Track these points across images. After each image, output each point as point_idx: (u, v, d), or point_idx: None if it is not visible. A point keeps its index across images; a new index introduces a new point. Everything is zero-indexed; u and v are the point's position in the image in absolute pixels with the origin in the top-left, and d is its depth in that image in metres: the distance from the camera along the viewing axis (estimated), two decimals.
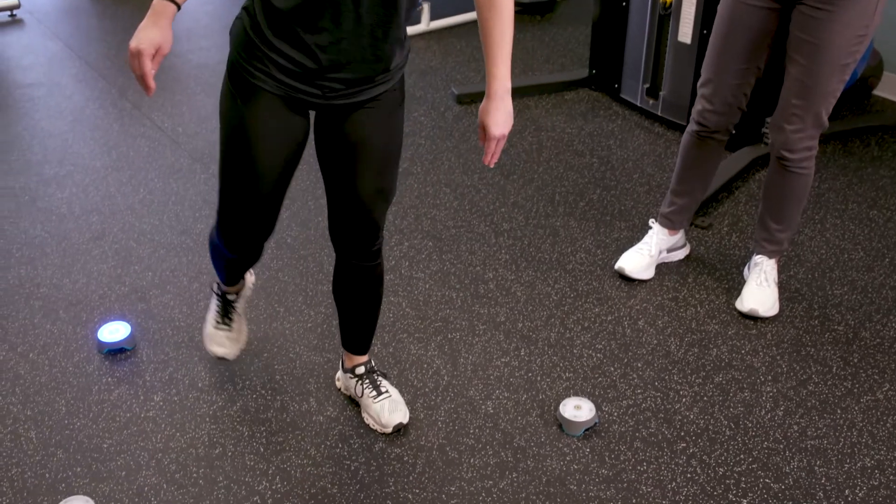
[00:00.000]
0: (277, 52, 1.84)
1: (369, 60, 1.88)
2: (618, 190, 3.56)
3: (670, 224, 3.00)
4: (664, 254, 3.04)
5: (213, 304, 2.52)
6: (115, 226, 3.32)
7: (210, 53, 5.08)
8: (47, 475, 2.26)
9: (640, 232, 3.24)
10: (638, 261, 2.98)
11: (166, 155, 3.86)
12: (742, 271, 3.02)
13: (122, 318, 2.81)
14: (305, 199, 3.49)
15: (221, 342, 2.50)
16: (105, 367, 2.61)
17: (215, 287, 2.51)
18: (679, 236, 3.05)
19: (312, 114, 2.10)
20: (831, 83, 2.52)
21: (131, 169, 3.74)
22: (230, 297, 2.49)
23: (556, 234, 3.26)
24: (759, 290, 2.82)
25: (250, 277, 2.60)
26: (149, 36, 1.75)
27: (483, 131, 2.00)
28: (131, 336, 2.68)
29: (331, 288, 2.93)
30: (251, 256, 2.21)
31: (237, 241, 2.13)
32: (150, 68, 1.76)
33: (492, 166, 2.30)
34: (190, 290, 2.94)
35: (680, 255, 3.10)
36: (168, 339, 2.72)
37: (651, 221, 3.05)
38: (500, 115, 1.97)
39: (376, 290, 2.27)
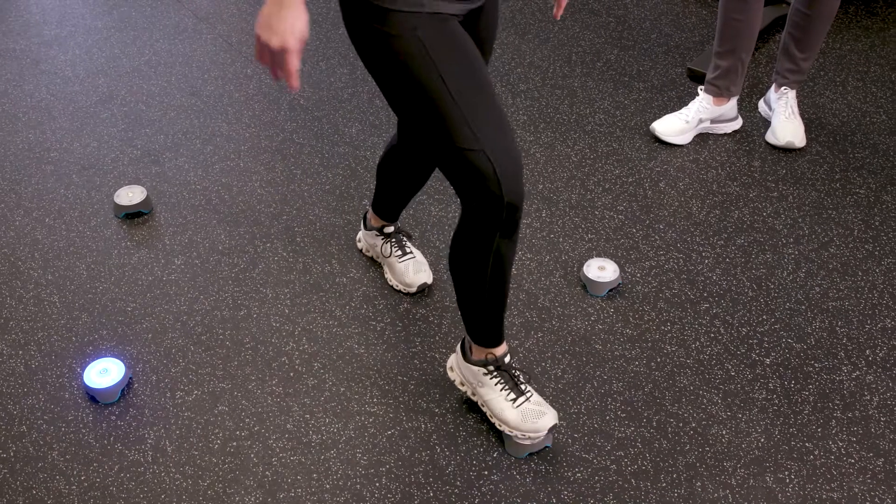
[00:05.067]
0: None
1: None
2: (636, 50, 3.47)
3: (716, 90, 2.88)
4: (706, 124, 2.93)
5: (492, 383, 1.98)
6: (122, 88, 3.24)
7: None
8: (74, 338, 2.26)
9: (658, 94, 3.18)
10: (671, 124, 2.91)
11: (169, 15, 3.74)
12: (763, 134, 2.99)
13: (136, 182, 2.77)
14: (316, 59, 3.41)
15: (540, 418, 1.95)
16: (123, 231, 2.59)
17: (482, 359, 1.98)
18: (727, 107, 2.92)
19: None
20: None
21: (135, 30, 3.63)
22: (504, 359, 1.98)
23: (574, 94, 3.20)
24: (790, 123, 2.88)
25: None
26: (294, 27, 1.40)
27: None
28: (147, 200, 2.65)
29: (347, 150, 2.89)
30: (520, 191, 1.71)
31: (512, 169, 1.65)
32: (297, 66, 1.43)
33: (558, 18, 2.13)
34: (204, 153, 2.89)
35: (727, 128, 2.97)
36: (185, 203, 2.69)
37: (699, 88, 2.94)
38: None
39: (428, 176, 2.20)
